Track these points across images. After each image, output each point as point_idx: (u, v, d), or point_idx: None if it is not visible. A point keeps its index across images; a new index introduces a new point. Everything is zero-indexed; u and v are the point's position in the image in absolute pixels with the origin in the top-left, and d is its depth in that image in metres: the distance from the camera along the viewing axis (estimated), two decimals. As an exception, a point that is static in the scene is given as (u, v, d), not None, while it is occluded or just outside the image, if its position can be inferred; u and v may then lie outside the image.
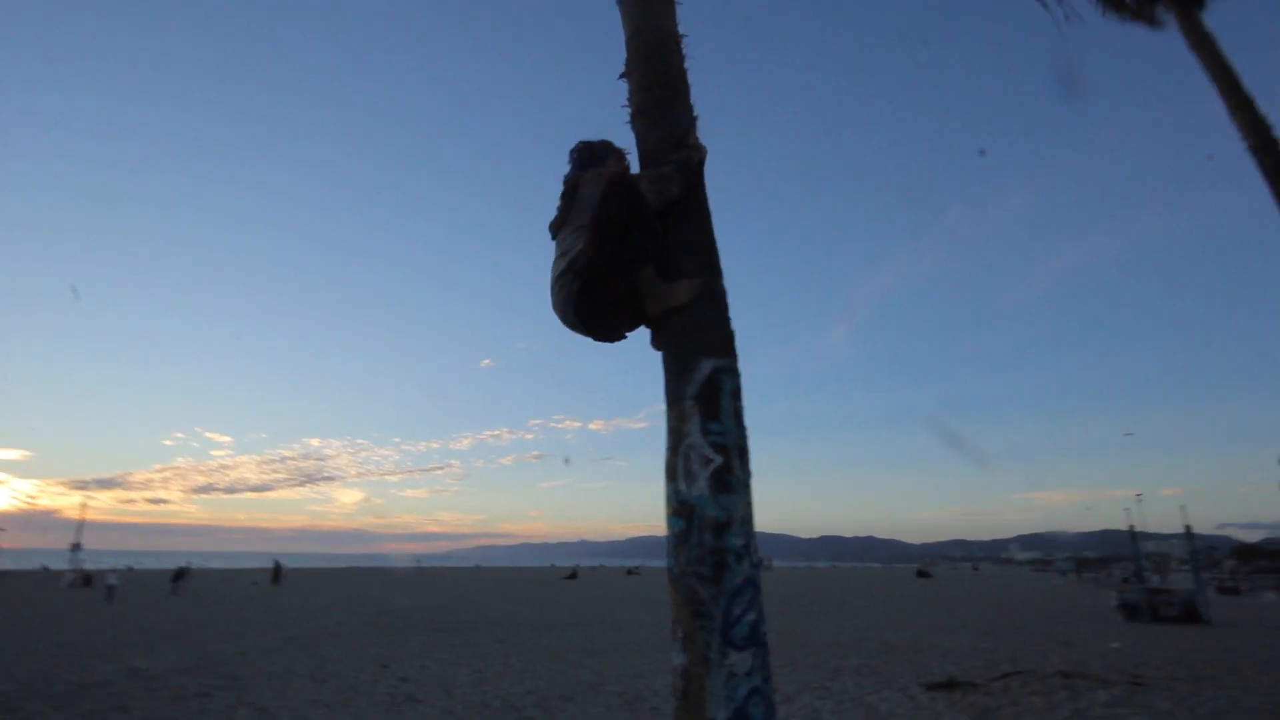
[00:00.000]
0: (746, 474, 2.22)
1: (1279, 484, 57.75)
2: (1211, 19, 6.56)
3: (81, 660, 10.21)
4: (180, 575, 31.89)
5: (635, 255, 2.33)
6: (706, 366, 2.25)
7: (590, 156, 2.70)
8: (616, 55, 2.78)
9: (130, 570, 54.62)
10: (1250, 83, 6.41)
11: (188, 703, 7.25)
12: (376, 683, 8.45)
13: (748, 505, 2.20)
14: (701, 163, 2.51)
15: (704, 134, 2.61)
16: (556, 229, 2.60)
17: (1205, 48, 6.33)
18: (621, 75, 2.73)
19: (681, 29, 2.77)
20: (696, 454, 2.18)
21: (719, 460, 2.17)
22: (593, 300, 2.39)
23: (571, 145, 2.78)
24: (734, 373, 2.29)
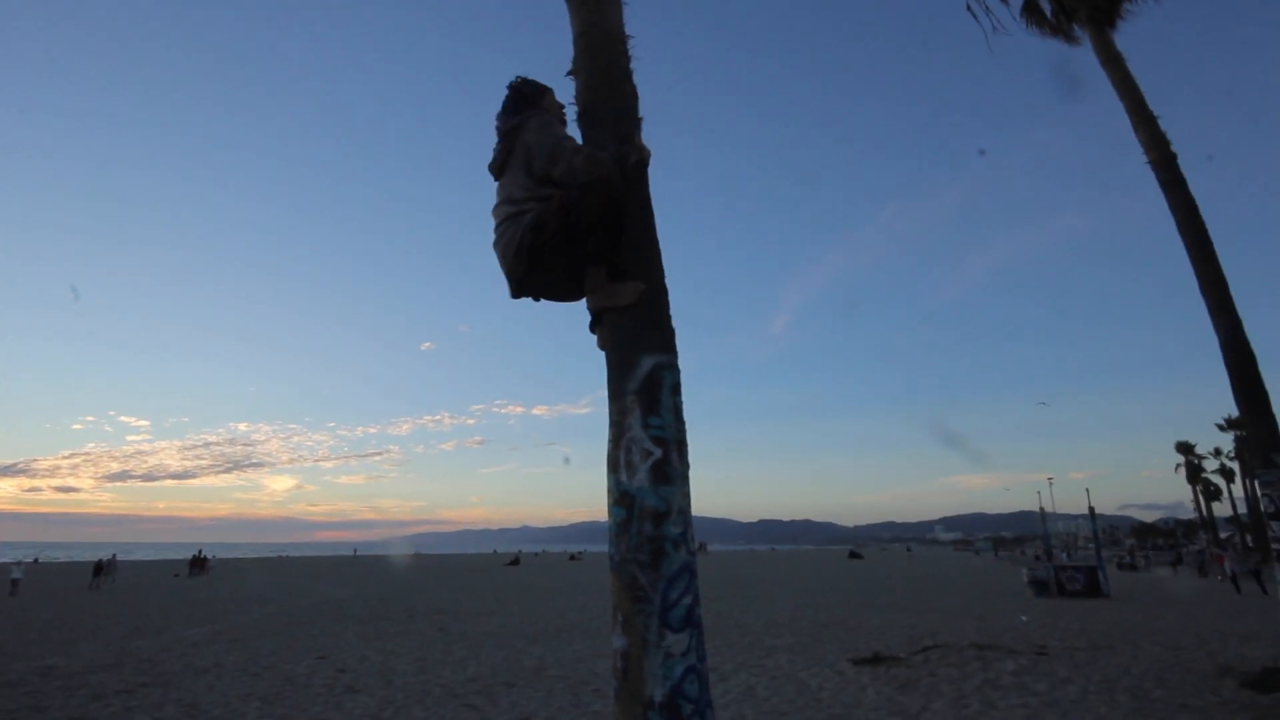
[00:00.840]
0: (685, 466, 2.35)
1: (1175, 468, 62.66)
2: (1121, 39, 7.08)
3: (-13, 660, 9.62)
4: (102, 568, 30.05)
5: (595, 252, 2.40)
6: (648, 363, 2.35)
7: (526, 97, 2.70)
8: (564, 52, 2.82)
9: (36, 562, 51.23)
10: (1153, 100, 6.96)
11: (109, 701, 6.97)
12: (313, 674, 8.31)
13: (685, 496, 2.32)
14: (642, 164, 2.56)
15: (649, 126, 2.69)
16: (498, 171, 2.64)
17: (1115, 66, 6.82)
18: (569, 73, 2.78)
19: (629, 27, 2.83)
20: (637, 447, 2.29)
21: (658, 453, 2.29)
22: (536, 265, 2.44)
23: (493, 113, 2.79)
24: (674, 369, 2.41)
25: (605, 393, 2.43)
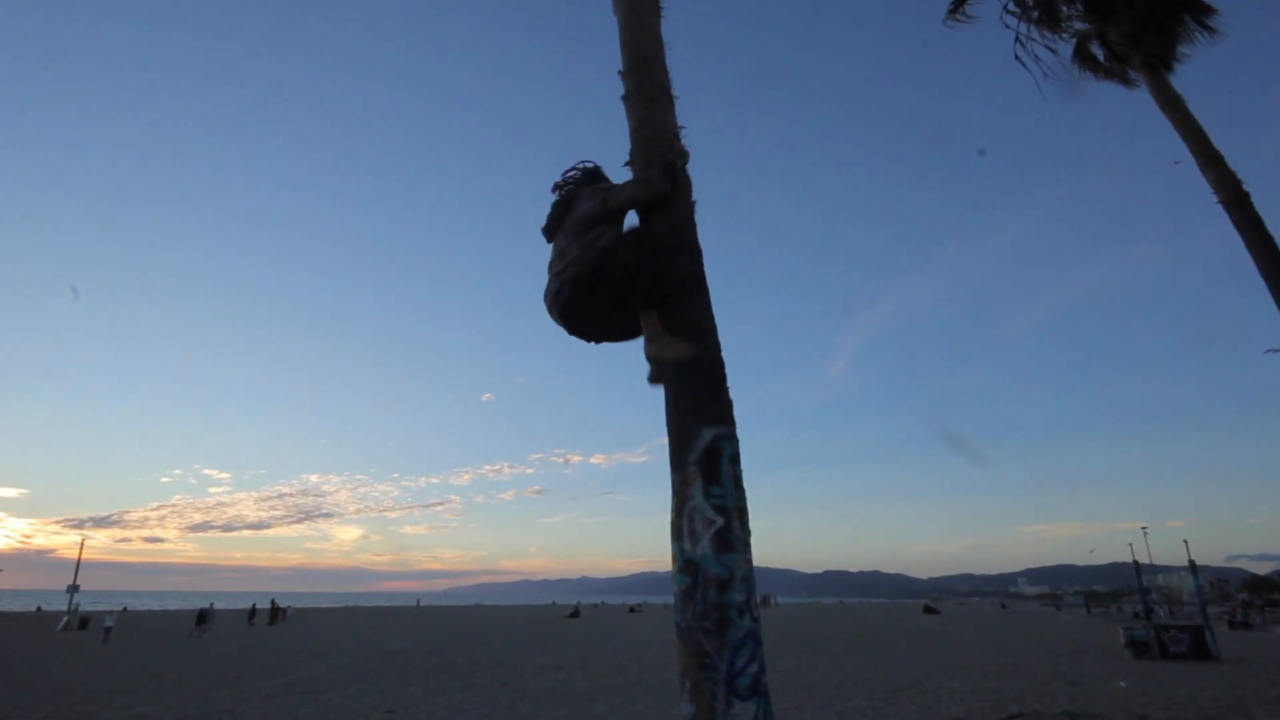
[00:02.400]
0: (746, 534, 2.43)
1: (1287, 515, 57.08)
2: (1179, 81, 6.97)
3: (85, 707, 10.19)
4: (204, 618, 31.51)
5: (643, 297, 2.59)
6: (707, 435, 2.48)
7: (590, 176, 2.99)
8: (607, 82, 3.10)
9: (125, 611, 54.01)
10: (1218, 137, 6.77)
11: (196, 751, 7.28)
12: (382, 729, 8.46)
13: (748, 563, 2.40)
14: (684, 162, 2.85)
15: (699, 164, 2.94)
16: (550, 234, 2.89)
17: (1175, 108, 6.70)
18: (621, 72, 3.07)
19: (676, 56, 3.13)
20: (700, 516, 2.40)
21: (720, 521, 2.38)
22: (578, 307, 2.69)
23: (560, 166, 3.07)
24: (733, 440, 2.52)
25: (663, 441, 2.57)
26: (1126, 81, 7.63)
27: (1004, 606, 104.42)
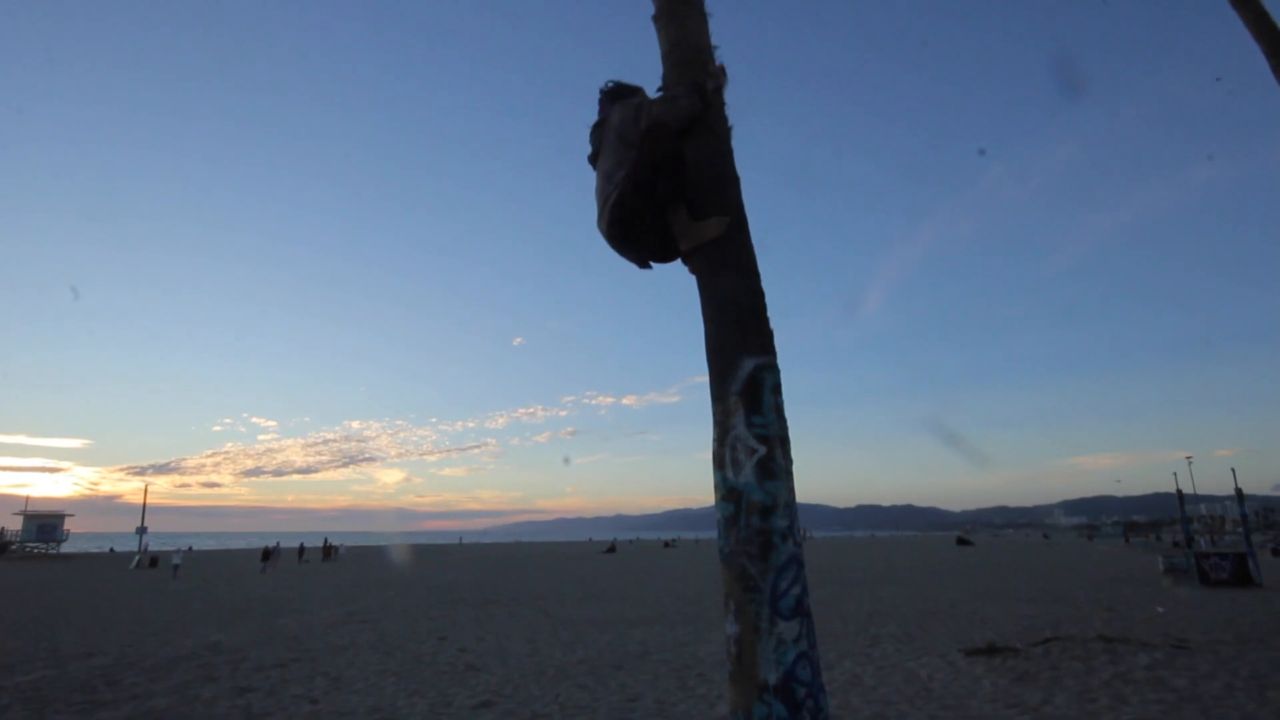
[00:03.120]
0: (788, 462, 2.43)
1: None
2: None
3: (163, 635, 11.00)
4: (269, 555, 33.95)
5: (667, 195, 2.54)
6: (749, 365, 2.45)
7: (616, 95, 2.88)
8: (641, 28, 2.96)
9: (191, 550, 57.57)
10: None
11: (268, 673, 7.84)
12: (437, 654, 8.98)
13: (790, 490, 2.41)
14: (719, 90, 2.67)
15: (735, 98, 2.78)
16: (594, 160, 2.83)
17: (1249, 5, 6.14)
18: (653, 17, 2.91)
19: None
20: (742, 445, 2.39)
21: (763, 450, 2.38)
22: (627, 230, 2.62)
23: (594, 115, 2.96)
24: (774, 370, 2.49)
25: (693, 381, 2.56)
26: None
27: (1046, 537, 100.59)
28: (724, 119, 2.72)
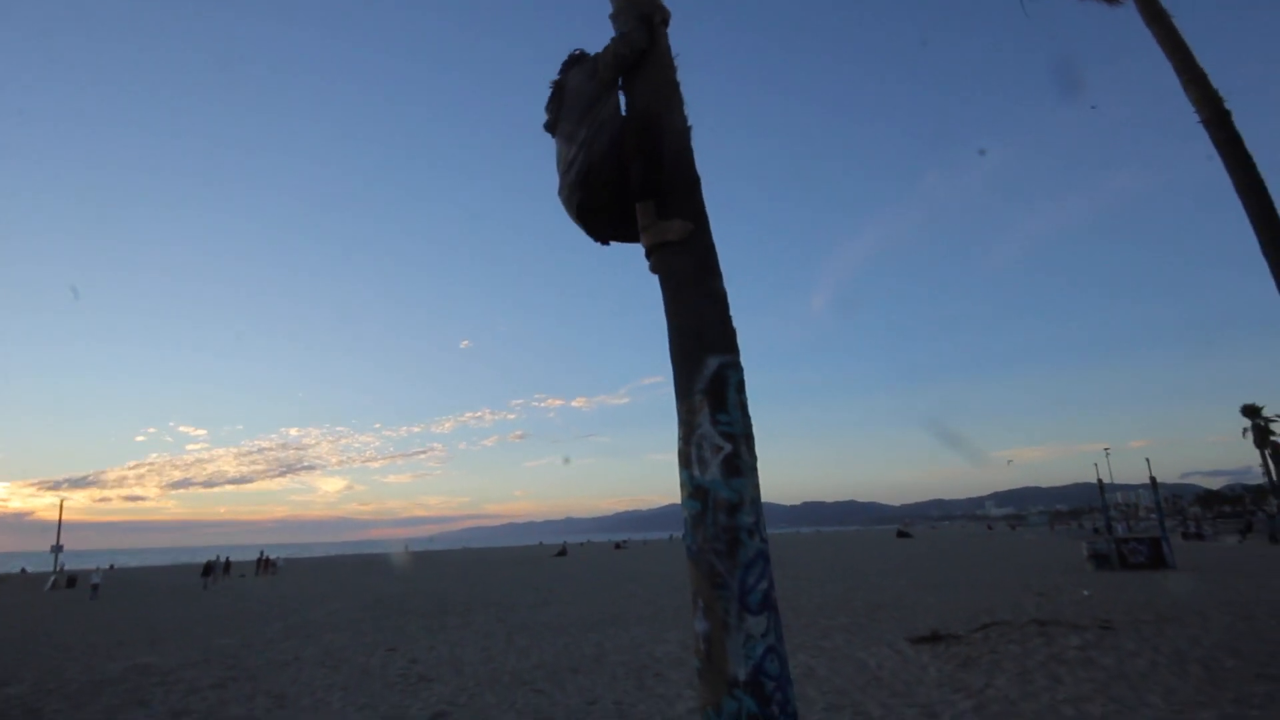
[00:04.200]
0: (753, 459, 2.47)
1: (1242, 432, 59.85)
2: (1166, -4, 6.83)
3: (86, 659, 10.32)
4: (210, 569, 31.97)
5: (639, 184, 2.56)
6: (713, 363, 2.48)
7: (575, 60, 2.90)
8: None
9: (112, 568, 54.19)
10: (1203, 56, 6.71)
11: (205, 694, 7.45)
12: (387, 665, 8.72)
13: (756, 487, 2.44)
14: (665, 22, 2.79)
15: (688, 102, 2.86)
16: (551, 128, 2.83)
17: (1160, 23, 6.59)
18: None
19: None
20: (708, 443, 2.42)
21: (728, 447, 2.41)
22: (591, 202, 2.64)
23: (537, 117, 2.97)
24: (738, 368, 2.52)
25: (643, 383, 2.59)
26: (1112, 0, 7.47)
27: (990, 528, 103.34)
28: (669, 56, 2.79)
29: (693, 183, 2.69)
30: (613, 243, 2.86)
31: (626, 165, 2.55)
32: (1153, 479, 24.17)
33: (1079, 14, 8.47)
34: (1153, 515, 32.60)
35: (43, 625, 16.46)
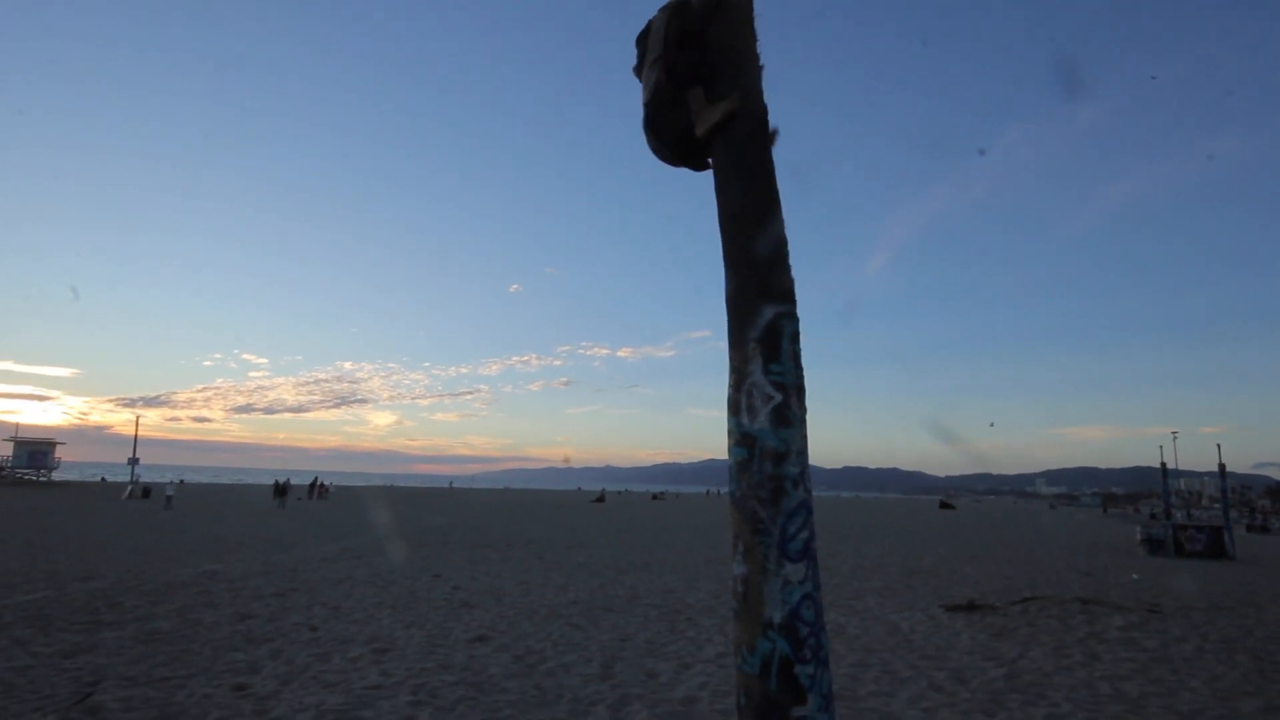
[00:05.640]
0: (803, 410, 2.43)
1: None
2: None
3: (160, 563, 11.19)
4: (283, 490, 33.99)
5: (687, 75, 2.51)
6: (769, 312, 2.42)
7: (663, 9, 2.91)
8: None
9: (183, 483, 58.22)
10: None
11: (268, 601, 8.03)
12: (432, 590, 9.19)
13: (803, 439, 2.41)
14: None
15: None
16: (639, 71, 2.84)
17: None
18: None
19: None
20: (759, 391, 2.39)
21: (779, 398, 2.37)
22: (660, 124, 2.63)
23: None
24: (793, 318, 2.46)
25: (691, 335, 2.56)
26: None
27: (1052, 508, 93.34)
28: (748, 5, 2.69)
29: (748, 60, 2.62)
30: (683, 174, 2.83)
31: (672, 59, 2.51)
32: (1221, 466, 23.07)
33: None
34: (1215, 505, 31.21)
35: (122, 530, 17.91)
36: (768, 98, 2.77)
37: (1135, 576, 12.51)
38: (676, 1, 2.62)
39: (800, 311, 2.58)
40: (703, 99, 2.55)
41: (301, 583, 9.48)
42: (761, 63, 2.68)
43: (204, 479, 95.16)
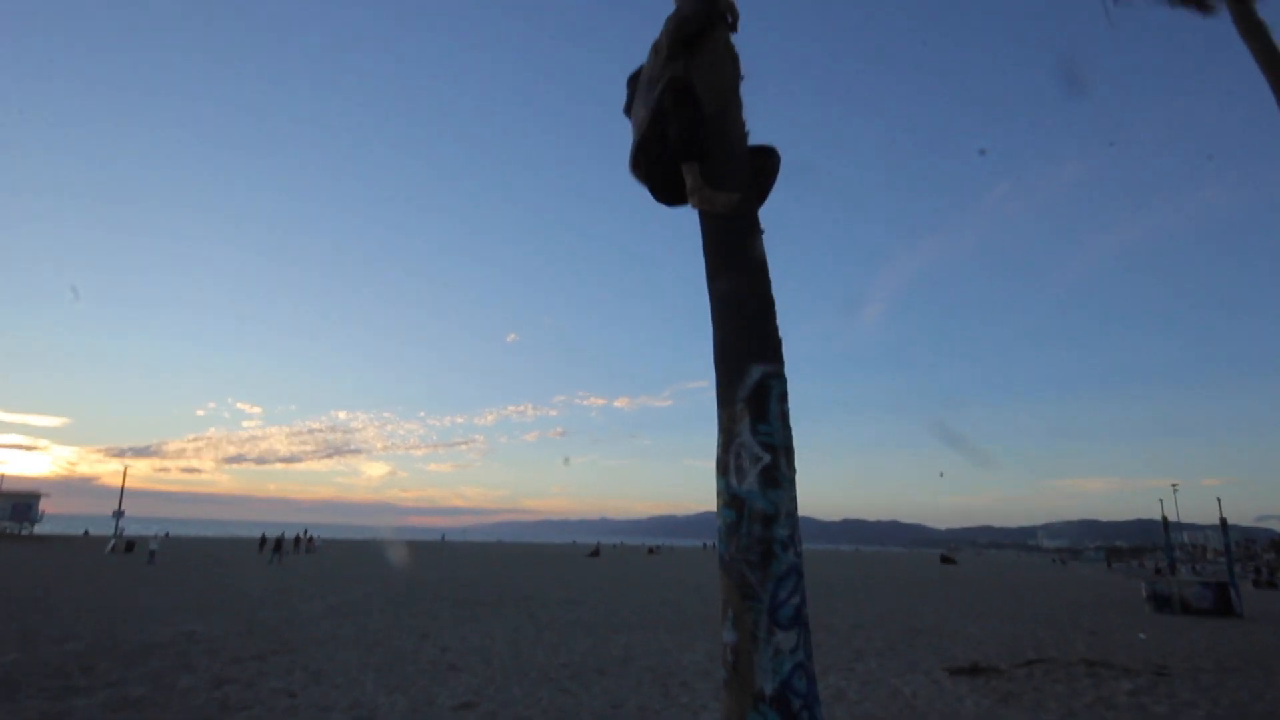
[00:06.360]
0: (792, 471, 2.41)
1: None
2: (1264, 8, 6.44)
3: (139, 622, 10.84)
4: (279, 545, 33.48)
5: (680, 144, 2.63)
6: (757, 372, 2.44)
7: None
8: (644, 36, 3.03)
9: (168, 536, 56.92)
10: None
11: (246, 665, 7.73)
12: (419, 651, 8.88)
13: (792, 500, 2.39)
14: (734, 21, 2.83)
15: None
16: (628, 110, 2.97)
17: (1256, 36, 6.21)
18: None
19: None
20: (747, 452, 2.38)
21: (767, 458, 2.36)
22: (648, 172, 2.78)
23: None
24: (781, 378, 2.47)
25: (687, 386, 2.58)
26: (1204, 8, 7.08)
27: (1063, 563, 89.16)
28: (731, 48, 2.81)
29: (740, 154, 2.70)
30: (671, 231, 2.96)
31: (661, 120, 2.64)
32: (1223, 520, 22.77)
33: (1170, 20, 8.04)
34: (1221, 559, 30.70)
35: (102, 587, 17.39)
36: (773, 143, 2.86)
37: (1142, 635, 12.19)
38: (673, 79, 2.70)
39: (799, 360, 2.59)
40: (699, 176, 2.61)
41: (283, 643, 9.16)
42: (747, 128, 2.77)
43: (191, 532, 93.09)
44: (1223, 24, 6.85)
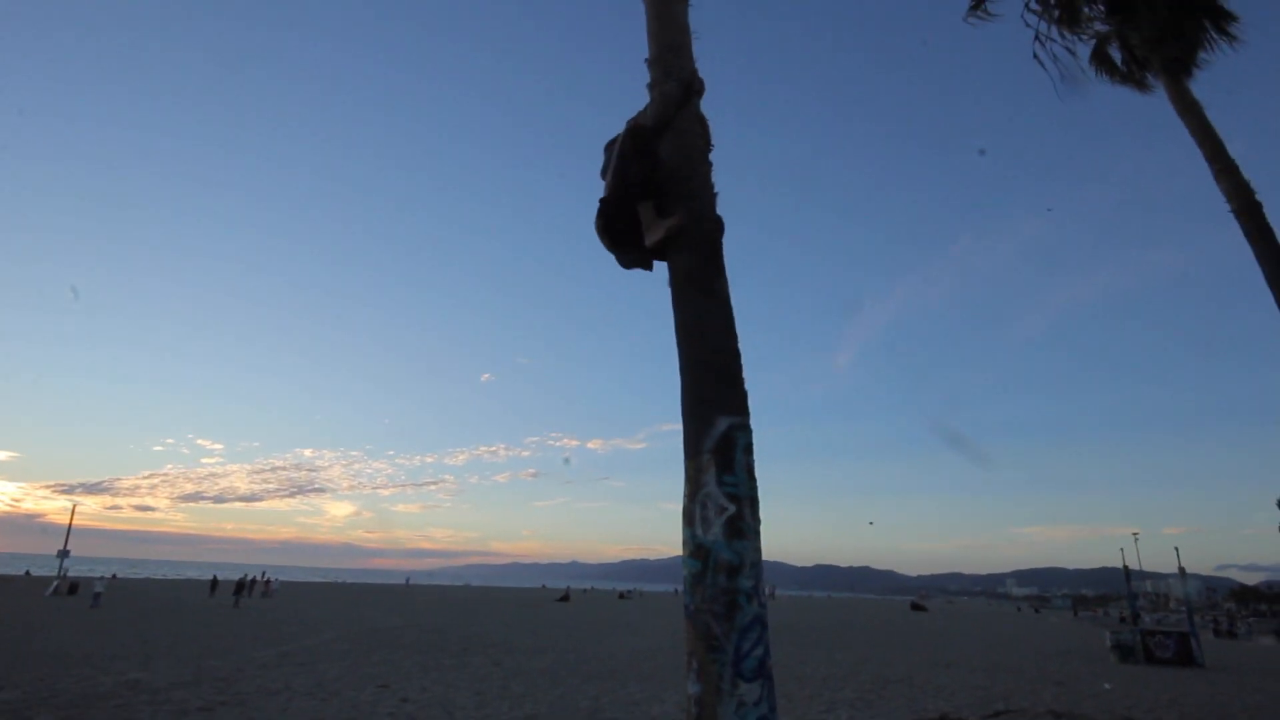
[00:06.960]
0: (757, 522, 2.46)
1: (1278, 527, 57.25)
2: (1198, 87, 6.95)
3: (79, 670, 10.27)
4: (240, 588, 32.27)
5: (639, 188, 2.76)
6: (723, 424, 2.50)
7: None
8: (613, 69, 3.09)
9: (115, 578, 54.22)
10: (1234, 145, 6.76)
11: (192, 717, 7.36)
12: (377, 703, 8.54)
13: (757, 551, 2.43)
14: (699, 92, 3.00)
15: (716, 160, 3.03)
16: (603, 174, 3.06)
17: (1192, 114, 6.68)
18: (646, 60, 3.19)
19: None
20: (712, 503, 2.43)
21: (732, 509, 2.41)
22: (613, 230, 2.87)
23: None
24: (747, 430, 2.54)
25: (661, 428, 2.65)
26: (1143, 87, 7.61)
27: (1036, 610, 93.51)
28: (699, 122, 2.97)
29: (711, 216, 2.83)
30: (641, 289, 3.09)
31: (622, 171, 2.76)
32: (1181, 569, 23.24)
33: (1113, 97, 8.61)
34: (1184, 607, 31.12)
35: (41, 632, 16.46)
36: (747, 198, 3.04)
37: (1107, 686, 12.26)
38: (633, 125, 2.92)
39: (772, 406, 2.67)
40: (652, 213, 2.79)
41: (233, 695, 8.74)
42: (716, 190, 2.90)
43: (141, 573, 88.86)
44: (1157, 102, 7.37)
